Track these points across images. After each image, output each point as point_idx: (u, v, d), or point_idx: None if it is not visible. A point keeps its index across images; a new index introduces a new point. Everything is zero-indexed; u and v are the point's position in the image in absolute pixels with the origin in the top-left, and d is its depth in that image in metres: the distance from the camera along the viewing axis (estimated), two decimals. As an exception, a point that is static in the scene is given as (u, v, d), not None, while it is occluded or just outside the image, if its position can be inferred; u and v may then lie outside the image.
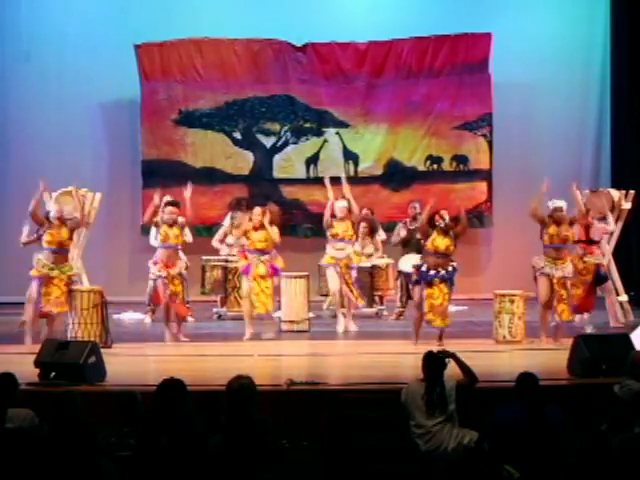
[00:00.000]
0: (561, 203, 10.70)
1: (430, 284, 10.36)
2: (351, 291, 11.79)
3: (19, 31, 15.23)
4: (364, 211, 13.53)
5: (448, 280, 10.40)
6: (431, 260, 10.39)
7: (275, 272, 11.29)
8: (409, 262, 12.80)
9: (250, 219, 11.46)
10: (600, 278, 11.65)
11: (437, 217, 10.50)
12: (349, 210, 11.89)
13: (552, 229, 10.57)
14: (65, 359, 8.29)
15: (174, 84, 15.25)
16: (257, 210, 11.37)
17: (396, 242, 13.19)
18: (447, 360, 7.14)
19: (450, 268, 10.40)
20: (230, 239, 12.93)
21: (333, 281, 11.86)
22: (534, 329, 10.92)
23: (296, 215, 15.17)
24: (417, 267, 10.53)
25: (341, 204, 11.89)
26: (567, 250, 10.75)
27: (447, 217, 10.52)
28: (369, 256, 13.10)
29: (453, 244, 10.45)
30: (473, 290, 14.24)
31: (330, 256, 11.83)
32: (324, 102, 15.37)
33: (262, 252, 11.22)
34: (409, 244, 13.00)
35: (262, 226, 11.26)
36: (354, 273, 11.96)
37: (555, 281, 10.52)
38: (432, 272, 10.36)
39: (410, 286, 12.90)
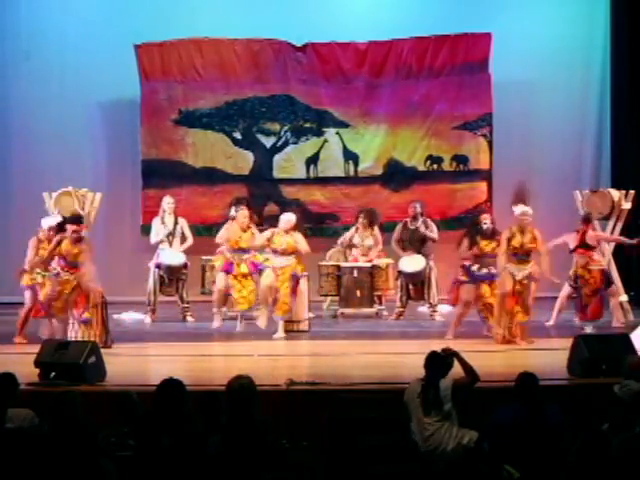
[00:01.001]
0: (526, 208, 10.74)
1: (480, 283, 10.75)
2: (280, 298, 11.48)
3: (19, 31, 15.23)
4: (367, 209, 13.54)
5: (495, 279, 10.76)
6: (479, 261, 10.77)
7: (256, 268, 11.55)
8: (409, 262, 12.84)
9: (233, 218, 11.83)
10: (608, 282, 11.71)
11: (479, 222, 10.91)
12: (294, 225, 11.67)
13: (516, 240, 10.54)
14: (65, 359, 8.29)
15: (174, 84, 15.24)
16: (245, 212, 11.74)
17: (397, 242, 13.15)
18: (451, 359, 7.15)
19: (494, 268, 10.76)
20: None
21: (266, 279, 11.48)
22: (534, 329, 10.93)
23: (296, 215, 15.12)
24: (466, 268, 10.82)
25: (287, 217, 11.68)
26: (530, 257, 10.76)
27: (488, 221, 10.93)
28: (369, 248, 13.08)
29: (497, 245, 10.77)
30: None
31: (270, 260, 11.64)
32: (324, 102, 15.37)
33: (245, 251, 11.57)
34: (409, 244, 12.99)
35: (249, 228, 11.65)
36: (299, 281, 11.54)
37: (517, 281, 10.55)
38: (484, 271, 10.73)
39: (410, 286, 12.95)
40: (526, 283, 10.57)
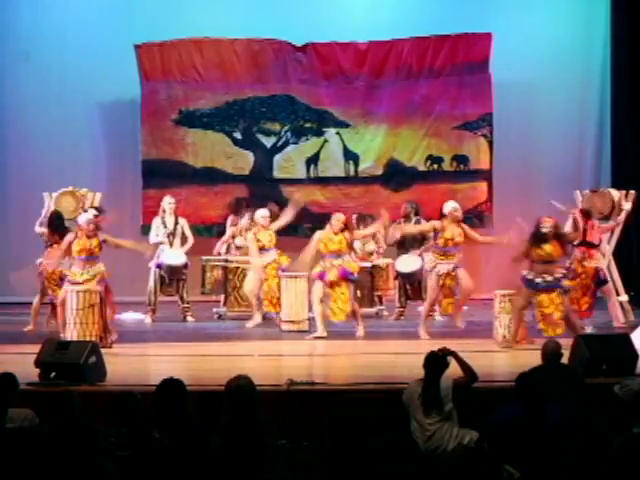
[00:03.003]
0: (456, 204, 11.16)
1: (538, 292, 10.25)
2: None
3: (19, 31, 15.22)
4: (355, 216, 13.48)
5: (557, 288, 10.25)
6: (538, 268, 10.26)
7: (345, 275, 11.16)
8: (406, 263, 12.82)
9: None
10: (600, 281, 11.68)
11: (539, 226, 10.39)
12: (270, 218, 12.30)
13: (449, 233, 10.90)
14: (65, 359, 8.29)
15: (174, 84, 15.24)
16: (339, 216, 11.40)
17: (391, 243, 13.13)
18: (448, 359, 7.15)
19: (558, 275, 10.29)
20: (238, 241, 12.92)
21: (249, 282, 12.16)
22: (534, 329, 10.92)
23: (296, 215, 15.12)
24: (525, 279, 10.33)
25: (263, 213, 12.33)
26: (456, 251, 11.09)
27: (548, 224, 10.35)
28: (370, 254, 13.07)
29: (560, 250, 10.33)
30: (473, 290, 14.24)
31: (264, 264, 12.15)
32: (324, 102, 15.37)
33: (337, 255, 11.21)
34: (404, 245, 12.97)
35: (342, 231, 11.29)
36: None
37: (443, 276, 10.93)
38: (538, 280, 10.21)
39: (408, 286, 12.94)
40: (454, 274, 10.97)
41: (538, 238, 10.25)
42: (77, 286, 10.53)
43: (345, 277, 11.15)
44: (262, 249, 12.28)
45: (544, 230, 10.25)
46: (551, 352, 7.61)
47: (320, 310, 11.17)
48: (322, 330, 11.11)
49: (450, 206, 11.07)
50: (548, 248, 10.25)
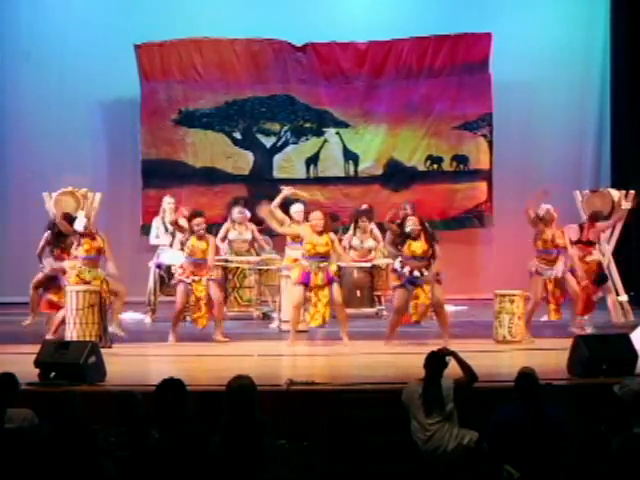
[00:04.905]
0: (549, 206, 10.97)
1: (415, 286, 10.36)
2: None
3: (19, 31, 15.23)
4: (364, 206, 13.53)
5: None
6: (412, 264, 10.36)
7: (330, 280, 10.68)
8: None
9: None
10: (603, 277, 11.68)
11: (405, 224, 10.46)
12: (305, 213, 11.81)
13: (546, 235, 10.80)
14: (65, 359, 8.29)
15: (174, 84, 15.24)
16: (318, 214, 10.83)
17: (391, 244, 13.11)
18: (448, 358, 7.16)
19: (430, 270, 10.38)
20: (232, 234, 12.94)
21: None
22: (534, 329, 10.92)
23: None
24: (398, 272, 10.44)
25: (298, 207, 12.17)
26: (559, 254, 10.90)
27: (412, 221, 10.44)
28: (369, 251, 13.06)
29: (428, 245, 10.42)
30: (473, 290, 14.27)
31: (294, 258, 11.49)
32: (324, 102, 15.37)
33: (324, 258, 10.67)
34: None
35: (325, 230, 10.71)
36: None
37: (549, 281, 10.78)
38: (417, 274, 10.34)
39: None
40: (559, 281, 10.80)
41: (405, 236, 10.40)
42: (77, 286, 10.53)
43: (330, 281, 10.71)
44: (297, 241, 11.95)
45: (408, 229, 10.38)
46: (525, 378, 7.09)
47: (296, 317, 10.68)
48: (294, 339, 10.60)
49: (544, 208, 10.91)
50: (417, 246, 10.38)
